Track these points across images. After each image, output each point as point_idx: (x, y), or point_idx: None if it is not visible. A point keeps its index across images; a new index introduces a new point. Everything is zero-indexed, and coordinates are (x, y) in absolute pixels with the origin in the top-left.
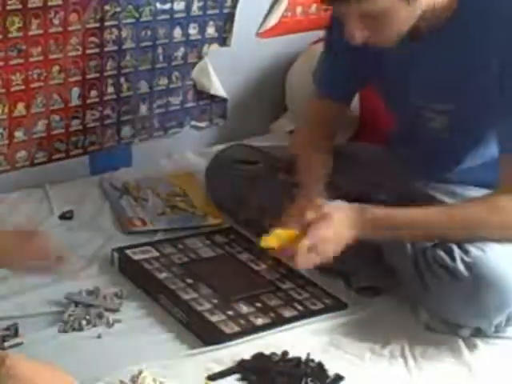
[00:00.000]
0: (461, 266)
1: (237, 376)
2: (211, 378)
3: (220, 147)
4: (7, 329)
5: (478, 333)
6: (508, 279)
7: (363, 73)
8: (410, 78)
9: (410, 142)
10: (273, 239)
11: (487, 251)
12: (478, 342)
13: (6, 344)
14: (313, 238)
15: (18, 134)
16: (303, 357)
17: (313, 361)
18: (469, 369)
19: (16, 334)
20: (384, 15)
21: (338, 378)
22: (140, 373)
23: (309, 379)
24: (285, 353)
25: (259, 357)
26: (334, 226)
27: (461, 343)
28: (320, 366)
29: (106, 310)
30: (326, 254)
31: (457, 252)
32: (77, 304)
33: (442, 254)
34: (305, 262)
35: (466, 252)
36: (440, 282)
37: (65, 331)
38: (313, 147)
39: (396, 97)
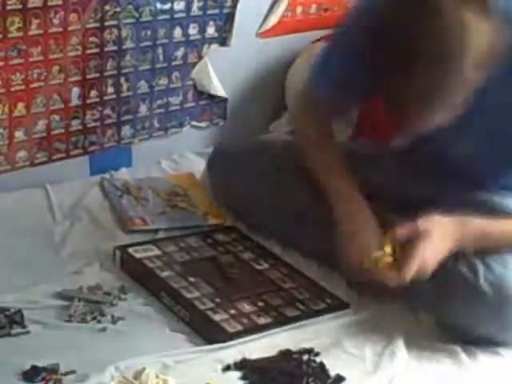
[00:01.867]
0: (484, 284)
1: (238, 375)
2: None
3: None
4: (14, 314)
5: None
6: None
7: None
8: None
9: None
10: (373, 262)
11: (510, 268)
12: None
13: (12, 332)
14: (415, 263)
15: (18, 134)
16: (305, 357)
17: (314, 361)
18: (467, 370)
19: (22, 322)
20: None
21: (339, 378)
22: (143, 370)
23: (310, 379)
24: (286, 352)
25: (263, 357)
26: (434, 245)
27: (459, 345)
28: (321, 366)
29: (110, 306)
30: (426, 273)
31: (480, 268)
32: (79, 300)
33: (464, 270)
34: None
35: (490, 269)
36: (462, 298)
37: (70, 322)
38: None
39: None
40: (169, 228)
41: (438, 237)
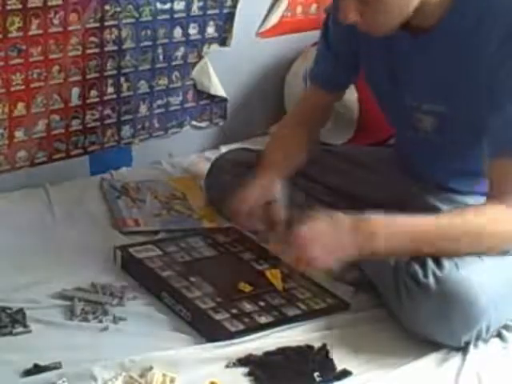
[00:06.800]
0: (431, 281)
1: (244, 371)
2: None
3: (221, 148)
4: (16, 312)
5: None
6: (476, 296)
7: (355, 65)
8: (402, 75)
9: (404, 143)
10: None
11: (460, 267)
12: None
13: (14, 331)
14: (298, 241)
15: (18, 134)
16: (310, 352)
17: (320, 355)
18: (468, 367)
19: (24, 321)
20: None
21: (346, 372)
22: (150, 368)
23: (316, 374)
24: (291, 348)
25: (266, 352)
26: (329, 232)
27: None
28: (327, 360)
29: (111, 306)
30: (309, 253)
31: (430, 266)
32: (80, 300)
33: (416, 267)
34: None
35: (440, 267)
36: (411, 296)
37: (71, 321)
38: (293, 134)
39: (386, 94)
40: (161, 230)
41: (332, 229)
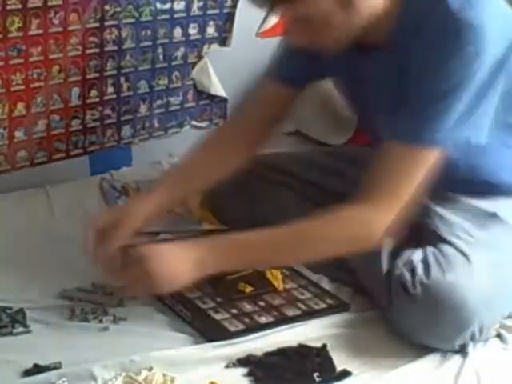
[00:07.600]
0: (419, 289)
1: (244, 371)
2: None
3: None
4: (16, 312)
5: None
6: (463, 300)
7: (318, 68)
8: (361, 89)
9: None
10: None
11: (446, 272)
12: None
13: (14, 331)
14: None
15: (18, 134)
16: (310, 352)
17: (319, 356)
18: (468, 368)
19: (24, 321)
20: (318, 20)
21: (346, 373)
22: (150, 369)
23: (315, 374)
24: (291, 348)
25: (267, 352)
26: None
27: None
28: (327, 360)
29: (111, 306)
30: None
31: (419, 275)
32: (80, 300)
33: (406, 277)
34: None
35: (427, 273)
36: (401, 305)
37: (71, 321)
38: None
39: (353, 104)
40: (161, 231)
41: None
